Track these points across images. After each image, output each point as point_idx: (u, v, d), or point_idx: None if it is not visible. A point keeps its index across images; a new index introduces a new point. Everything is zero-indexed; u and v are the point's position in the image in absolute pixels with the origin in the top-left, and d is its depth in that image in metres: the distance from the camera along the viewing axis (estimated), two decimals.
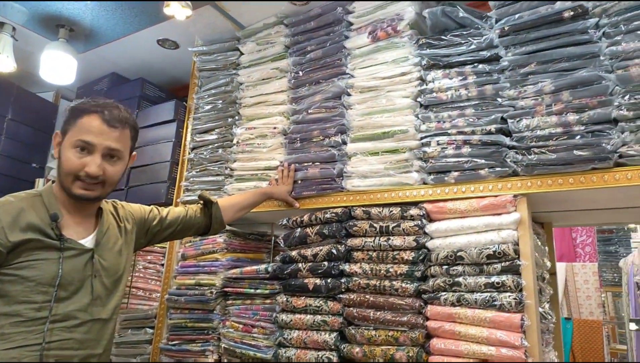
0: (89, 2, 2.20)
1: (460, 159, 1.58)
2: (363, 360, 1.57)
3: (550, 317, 1.62)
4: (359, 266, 1.65)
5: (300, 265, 1.77)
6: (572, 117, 1.40)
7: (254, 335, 1.87)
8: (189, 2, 2.00)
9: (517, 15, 1.52)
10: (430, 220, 1.61)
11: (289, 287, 1.78)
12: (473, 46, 1.62)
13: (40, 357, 1.12)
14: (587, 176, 1.38)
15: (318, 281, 1.70)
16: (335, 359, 1.62)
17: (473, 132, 1.57)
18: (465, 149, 1.57)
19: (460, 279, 1.47)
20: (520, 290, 1.38)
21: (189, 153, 2.35)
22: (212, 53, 2.37)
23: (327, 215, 1.75)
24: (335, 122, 1.88)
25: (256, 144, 2.11)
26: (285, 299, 1.77)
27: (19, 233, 1.15)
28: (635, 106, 1.31)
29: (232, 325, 1.95)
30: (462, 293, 1.46)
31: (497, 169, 1.51)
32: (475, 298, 1.43)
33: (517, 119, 1.50)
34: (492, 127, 1.54)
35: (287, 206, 1.93)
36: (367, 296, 1.61)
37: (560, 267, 5.09)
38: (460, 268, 1.49)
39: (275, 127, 2.06)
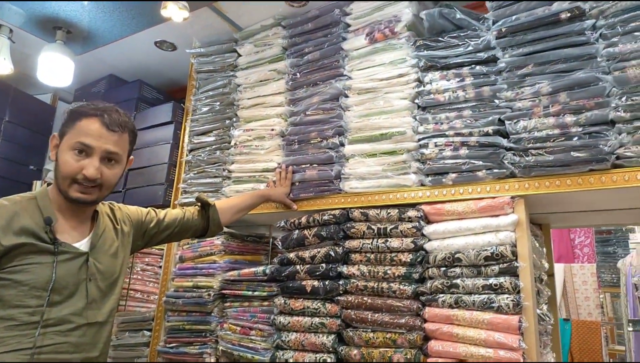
0: (86, 3, 2.19)
1: (457, 160, 1.58)
2: (361, 362, 1.57)
3: (548, 319, 1.62)
4: (357, 268, 1.65)
5: (298, 267, 1.76)
6: (569, 118, 1.40)
7: (252, 337, 1.86)
8: (186, 4, 2.00)
9: (514, 17, 1.52)
10: (428, 222, 1.61)
11: (286, 289, 1.78)
12: (470, 48, 1.62)
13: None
14: (584, 177, 1.38)
15: (316, 283, 1.70)
16: (333, 361, 1.61)
17: (470, 134, 1.57)
18: (463, 151, 1.57)
19: (458, 281, 1.47)
20: (518, 292, 1.38)
21: (187, 155, 2.34)
22: (210, 55, 2.37)
23: (325, 217, 1.75)
24: (333, 124, 1.88)
25: (254, 146, 2.11)
26: (283, 301, 1.77)
27: (13, 237, 1.14)
28: (632, 107, 1.31)
29: (229, 327, 1.94)
30: (460, 295, 1.46)
31: (495, 170, 1.51)
32: (473, 300, 1.42)
33: (515, 120, 1.50)
34: (490, 129, 1.54)
35: (284, 208, 1.93)
36: (365, 299, 1.61)
37: (559, 268, 5.09)
38: (458, 269, 1.48)
39: (273, 129, 2.06)
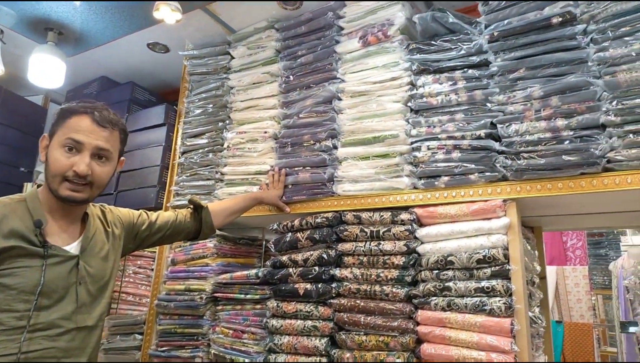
0: (77, 4, 2.17)
1: (450, 163, 1.58)
2: None
3: (540, 321, 1.62)
4: (350, 271, 1.64)
5: (290, 269, 1.76)
6: (560, 122, 1.41)
7: (244, 340, 1.85)
8: (178, 6, 1.99)
9: (506, 21, 1.53)
10: (421, 225, 1.61)
11: (279, 292, 1.77)
12: (463, 51, 1.62)
13: None
14: (575, 181, 1.39)
15: (309, 286, 1.70)
16: None
17: (463, 137, 1.57)
18: (455, 154, 1.58)
19: (451, 284, 1.47)
20: (510, 295, 1.39)
21: (179, 157, 2.33)
22: (203, 57, 2.36)
23: (318, 220, 1.75)
24: (326, 126, 1.88)
25: (247, 149, 2.10)
26: (275, 304, 1.76)
27: (2, 240, 1.13)
28: (623, 111, 1.32)
29: (222, 330, 1.93)
30: (453, 298, 1.46)
31: (487, 174, 1.52)
32: (466, 303, 1.43)
33: (507, 124, 1.50)
34: (482, 132, 1.54)
35: (277, 210, 1.92)
36: (358, 301, 1.60)
37: (551, 270, 5.12)
38: (450, 272, 1.49)
39: (266, 132, 2.06)
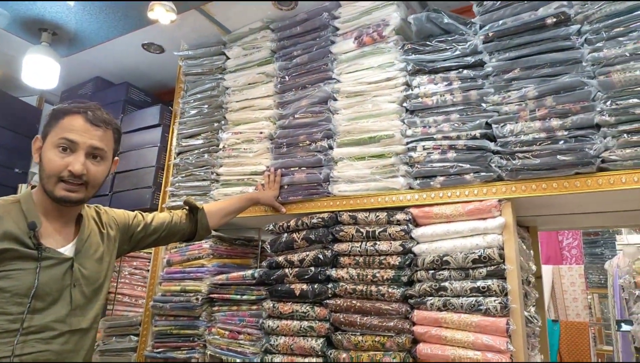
0: (71, 4, 2.16)
1: (445, 164, 1.58)
2: None
3: (536, 321, 1.63)
4: (346, 272, 1.64)
5: (286, 270, 1.76)
6: (555, 122, 1.41)
7: (240, 341, 1.85)
8: (173, 7, 1.98)
9: (500, 22, 1.53)
10: (417, 225, 1.61)
11: (275, 293, 1.77)
12: (458, 52, 1.63)
13: None
14: (570, 180, 1.39)
15: (305, 286, 1.69)
16: None
17: (458, 137, 1.58)
18: (451, 154, 1.58)
19: (446, 284, 1.47)
20: (506, 294, 1.39)
21: (175, 158, 2.33)
22: (198, 57, 2.36)
23: (314, 220, 1.75)
24: (322, 127, 1.88)
25: (242, 149, 2.10)
26: (271, 305, 1.76)
27: None
28: (617, 111, 1.32)
29: (218, 331, 1.93)
30: (448, 298, 1.46)
31: (482, 174, 1.52)
32: (461, 303, 1.43)
33: (502, 124, 1.51)
34: (477, 133, 1.54)
35: (273, 211, 1.92)
36: (354, 302, 1.60)
37: (547, 270, 5.14)
38: (446, 272, 1.49)
39: (261, 132, 2.05)
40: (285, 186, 1.93)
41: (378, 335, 1.55)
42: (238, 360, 1.82)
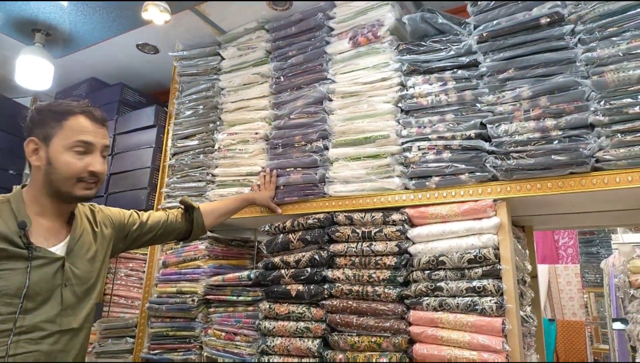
0: (65, 5, 2.15)
1: (441, 164, 1.58)
2: None
3: (531, 320, 1.63)
4: (342, 272, 1.64)
5: (282, 271, 1.75)
6: (549, 122, 1.42)
7: (237, 343, 1.84)
8: (167, 7, 1.97)
9: (495, 22, 1.54)
10: (412, 225, 1.61)
11: (271, 294, 1.76)
12: (452, 52, 1.63)
13: None
14: (565, 180, 1.39)
15: (301, 287, 1.69)
16: None
17: (453, 138, 1.58)
18: (446, 154, 1.58)
19: (442, 284, 1.47)
20: (501, 294, 1.39)
21: (170, 159, 2.32)
22: (193, 58, 2.35)
23: (310, 221, 1.74)
24: (317, 127, 1.88)
25: (238, 150, 2.09)
26: (268, 306, 1.75)
27: None
28: (611, 111, 1.33)
29: (214, 333, 1.92)
30: (444, 298, 1.46)
31: (477, 174, 1.52)
32: (457, 303, 1.43)
33: (496, 124, 1.51)
34: (472, 133, 1.55)
35: (269, 212, 1.92)
36: (350, 302, 1.60)
37: (543, 269, 5.15)
38: (442, 272, 1.49)
39: (257, 133, 2.05)
40: (281, 187, 1.93)
41: (374, 336, 1.55)
42: (234, 362, 1.81)
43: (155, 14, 1.98)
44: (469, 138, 1.55)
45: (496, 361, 1.33)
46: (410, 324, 1.51)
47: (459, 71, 1.62)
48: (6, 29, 2.40)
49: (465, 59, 1.61)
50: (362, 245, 1.63)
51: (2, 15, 2.29)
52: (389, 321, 1.53)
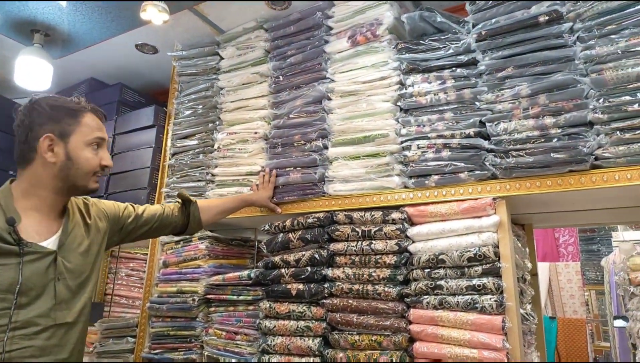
0: (64, 5, 2.15)
1: (440, 162, 1.59)
2: None
3: (532, 318, 1.63)
4: (342, 271, 1.64)
5: (283, 270, 1.75)
6: (548, 120, 1.42)
7: (238, 342, 1.85)
8: (166, 7, 1.97)
9: (493, 20, 1.54)
10: (412, 224, 1.61)
11: (272, 293, 1.77)
12: (451, 51, 1.63)
13: None
14: (564, 178, 1.39)
15: (301, 286, 1.69)
16: None
17: (452, 136, 1.58)
18: (445, 153, 1.58)
19: (442, 282, 1.47)
20: (501, 292, 1.39)
21: (170, 159, 2.32)
22: (192, 58, 2.35)
23: (309, 220, 1.75)
24: (316, 126, 1.88)
25: (237, 150, 2.09)
26: (268, 305, 1.76)
27: None
28: (610, 109, 1.33)
29: (215, 332, 1.92)
30: (444, 296, 1.46)
31: (477, 172, 1.52)
32: (457, 301, 1.43)
33: (495, 122, 1.51)
34: (471, 131, 1.55)
35: (269, 211, 1.92)
36: (350, 301, 1.60)
37: (544, 267, 5.15)
38: (442, 271, 1.49)
39: (256, 132, 2.05)
40: (281, 186, 1.93)
41: (375, 334, 1.55)
42: (235, 361, 1.82)
43: (154, 14, 1.98)
44: (468, 136, 1.55)
45: (496, 359, 1.33)
46: (410, 322, 1.51)
47: (458, 70, 1.62)
48: (5, 29, 2.40)
49: (464, 58, 1.61)
50: (362, 244, 1.63)
51: (1, 16, 2.29)
52: (389, 319, 1.53)
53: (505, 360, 1.33)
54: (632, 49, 1.32)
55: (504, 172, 1.48)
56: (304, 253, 1.73)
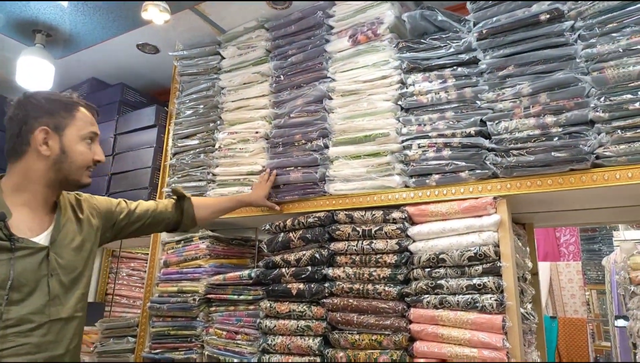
0: (65, 5, 2.15)
1: (441, 161, 1.58)
2: None
3: (532, 317, 1.63)
4: (342, 271, 1.64)
5: (283, 270, 1.75)
6: (549, 119, 1.42)
7: (238, 341, 1.85)
8: (167, 7, 1.98)
9: (494, 19, 1.53)
10: (413, 223, 1.61)
11: (272, 293, 1.77)
12: (452, 49, 1.63)
13: None
14: (565, 177, 1.39)
15: (301, 286, 1.69)
16: None
17: (453, 135, 1.58)
18: (446, 152, 1.58)
19: (443, 281, 1.47)
20: (501, 292, 1.39)
21: (171, 159, 2.32)
22: (193, 57, 2.35)
23: (310, 219, 1.75)
24: (317, 126, 1.88)
25: (238, 149, 2.09)
26: (268, 305, 1.76)
27: None
28: (611, 107, 1.32)
29: (215, 332, 1.92)
30: (445, 296, 1.46)
31: (478, 171, 1.52)
32: (457, 300, 1.43)
33: (496, 121, 1.51)
34: (472, 130, 1.54)
35: (270, 211, 1.92)
36: (351, 301, 1.60)
37: (545, 266, 5.14)
38: (442, 270, 1.49)
39: (257, 132, 2.05)
40: (282, 186, 1.93)
41: (375, 334, 1.55)
42: (236, 360, 1.82)
43: (155, 14, 1.98)
44: (469, 135, 1.55)
45: (496, 358, 1.33)
46: (410, 322, 1.51)
47: (459, 69, 1.61)
48: (7, 30, 2.41)
49: (465, 57, 1.60)
50: (362, 243, 1.63)
51: (3, 16, 2.29)
52: (390, 319, 1.53)
53: (506, 360, 1.33)
54: (633, 47, 1.31)
55: (505, 171, 1.47)
56: (304, 252, 1.73)
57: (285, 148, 1.96)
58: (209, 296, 1.98)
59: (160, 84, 2.93)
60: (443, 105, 1.63)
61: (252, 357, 1.77)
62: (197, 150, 2.24)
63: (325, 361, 1.61)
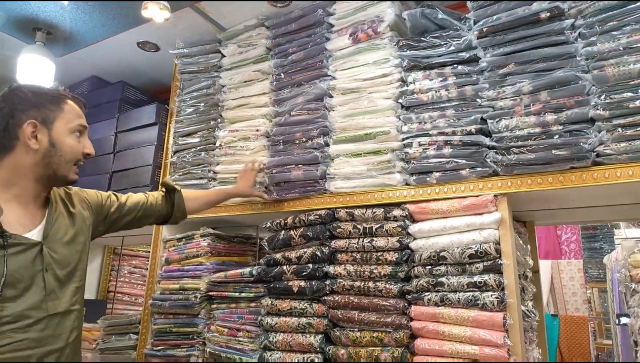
0: (66, 4, 2.15)
1: (441, 159, 1.59)
2: (348, 361, 1.57)
3: (533, 315, 1.63)
4: (343, 268, 1.65)
5: (284, 267, 1.76)
6: (550, 117, 1.42)
7: (239, 338, 1.85)
8: (167, 5, 1.98)
9: (495, 17, 1.53)
10: (413, 221, 1.61)
11: (273, 290, 1.77)
12: (452, 47, 1.63)
13: None
14: (565, 175, 1.39)
15: (303, 283, 1.70)
16: (320, 361, 1.61)
17: (454, 133, 1.58)
18: (447, 150, 1.58)
19: (443, 279, 1.48)
20: (502, 289, 1.39)
21: (172, 156, 2.33)
22: (194, 55, 2.35)
23: (311, 217, 1.75)
24: (318, 124, 1.88)
25: (239, 147, 2.10)
26: (270, 302, 1.76)
27: None
28: (611, 105, 1.32)
29: (217, 329, 1.93)
30: (445, 293, 1.46)
31: (478, 169, 1.53)
32: (458, 298, 1.43)
33: (497, 119, 1.51)
34: (472, 128, 1.55)
35: (271, 208, 1.92)
36: (352, 298, 1.61)
37: (546, 264, 5.15)
38: (443, 268, 1.49)
39: (258, 130, 2.05)
40: (282, 184, 1.93)
41: (376, 331, 1.55)
42: (237, 358, 1.82)
43: (155, 12, 1.98)
44: (470, 133, 1.55)
45: (497, 355, 1.33)
46: (411, 319, 1.51)
47: (459, 67, 1.61)
48: (7, 28, 2.41)
49: (465, 55, 1.60)
50: (363, 241, 1.63)
51: (3, 15, 2.29)
52: (391, 316, 1.54)
53: (507, 357, 1.33)
54: (633, 46, 1.31)
55: (505, 169, 1.48)
56: (305, 250, 1.73)
57: (285, 145, 1.96)
58: (210, 293, 1.99)
59: (160, 82, 2.93)
60: (443, 103, 1.63)
61: (253, 354, 1.78)
62: (198, 148, 2.25)
63: (327, 358, 1.61)
